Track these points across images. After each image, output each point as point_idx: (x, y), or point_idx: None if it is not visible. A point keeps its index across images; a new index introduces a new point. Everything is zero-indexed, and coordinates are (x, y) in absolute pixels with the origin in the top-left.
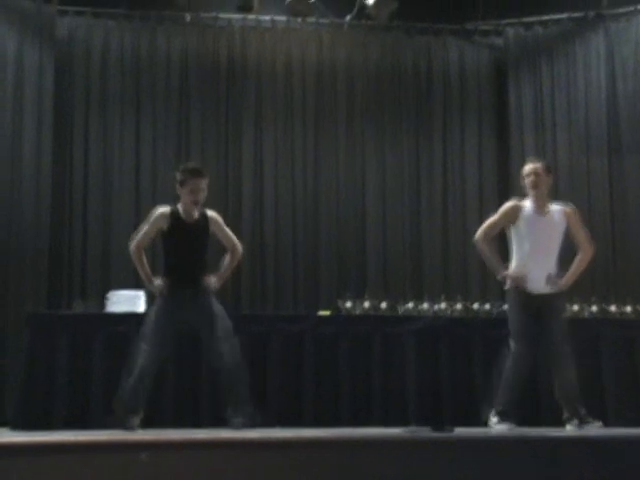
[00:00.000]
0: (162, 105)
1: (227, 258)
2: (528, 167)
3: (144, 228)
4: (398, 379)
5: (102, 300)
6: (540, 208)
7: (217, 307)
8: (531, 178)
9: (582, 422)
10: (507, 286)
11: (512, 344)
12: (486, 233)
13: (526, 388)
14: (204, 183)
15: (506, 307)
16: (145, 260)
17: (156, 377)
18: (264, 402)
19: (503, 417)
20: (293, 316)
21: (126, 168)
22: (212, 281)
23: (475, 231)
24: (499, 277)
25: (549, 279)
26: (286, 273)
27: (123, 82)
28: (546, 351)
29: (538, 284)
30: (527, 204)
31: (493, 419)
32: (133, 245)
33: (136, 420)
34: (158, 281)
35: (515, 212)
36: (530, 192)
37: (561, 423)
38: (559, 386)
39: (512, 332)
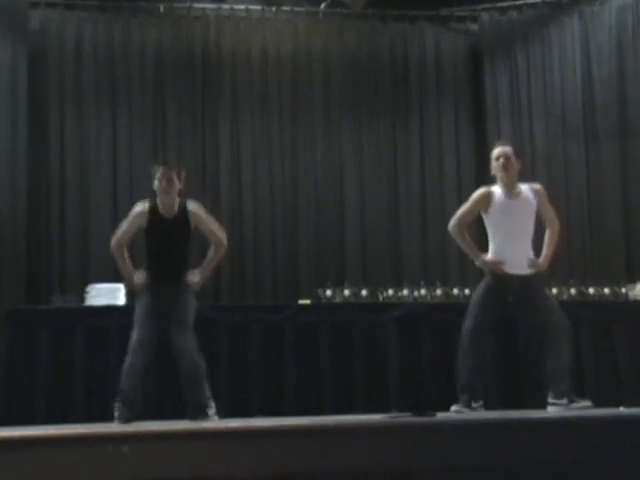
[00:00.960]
0: (138, 97)
1: (210, 252)
2: (497, 150)
3: (124, 225)
4: (380, 366)
5: (81, 294)
6: (510, 191)
7: (189, 303)
8: (501, 161)
9: (571, 401)
10: (487, 271)
11: (466, 319)
12: (460, 222)
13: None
14: (174, 175)
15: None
16: (126, 256)
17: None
18: (246, 392)
19: (466, 396)
20: (273, 306)
21: (103, 161)
22: (194, 279)
23: (452, 216)
24: (478, 263)
25: (531, 263)
26: (265, 263)
27: (98, 74)
28: (537, 331)
29: (517, 266)
30: (497, 189)
31: (472, 403)
32: (113, 243)
33: (132, 414)
34: (139, 277)
35: (486, 199)
36: (500, 175)
37: (542, 406)
38: (552, 365)
39: (470, 307)
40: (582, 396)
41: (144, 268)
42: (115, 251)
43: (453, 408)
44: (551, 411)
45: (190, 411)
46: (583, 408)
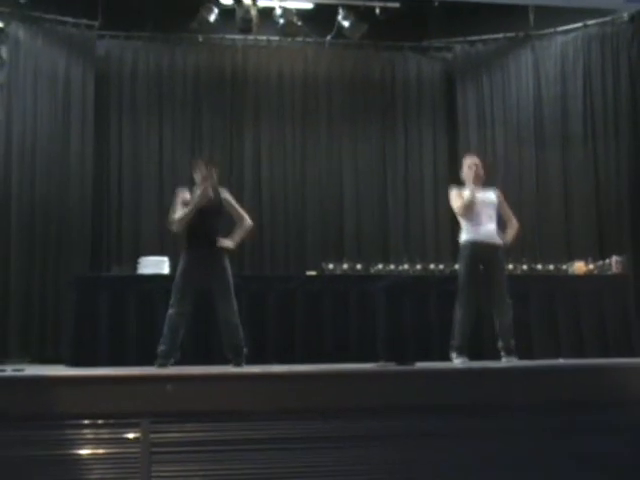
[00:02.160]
0: (179, 108)
1: (236, 228)
2: (470, 160)
3: (173, 203)
4: (370, 325)
5: (134, 264)
6: (477, 188)
7: (227, 267)
8: (473, 170)
9: (507, 354)
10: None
11: (459, 292)
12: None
13: (473, 327)
14: (213, 170)
15: (458, 262)
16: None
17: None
18: (264, 344)
19: (459, 352)
20: (286, 276)
21: (151, 160)
22: (227, 244)
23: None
24: (470, 190)
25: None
26: (279, 242)
27: (149, 91)
28: (491, 298)
29: (485, 236)
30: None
31: (452, 354)
32: (171, 215)
33: (171, 362)
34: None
35: (460, 195)
36: (470, 179)
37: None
38: (500, 325)
39: (460, 282)
40: (530, 349)
41: (184, 239)
42: (176, 221)
43: (460, 360)
44: (504, 362)
45: (231, 356)
46: (510, 362)
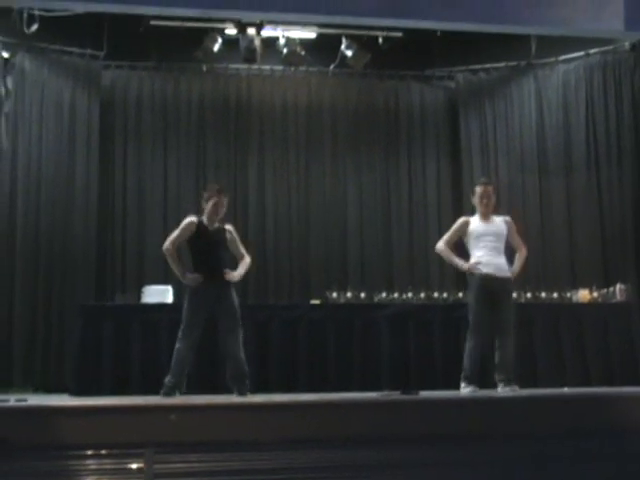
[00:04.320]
0: (184, 137)
1: (240, 263)
2: (482, 189)
3: (176, 232)
4: (374, 353)
5: (138, 293)
6: (486, 219)
7: (235, 300)
8: (484, 200)
9: (506, 385)
10: (469, 272)
11: (470, 322)
12: (444, 244)
13: (483, 357)
14: (226, 200)
15: (461, 294)
16: (177, 256)
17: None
18: (267, 373)
19: (469, 381)
20: (290, 305)
21: (156, 187)
22: (232, 275)
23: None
24: (463, 269)
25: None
26: (283, 270)
27: (153, 119)
28: (496, 326)
29: (494, 269)
30: (475, 219)
31: (462, 383)
32: (168, 245)
33: (179, 391)
34: (191, 274)
35: (464, 227)
36: (480, 208)
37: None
38: (500, 355)
39: (470, 312)
40: (534, 377)
41: (191, 270)
42: (169, 252)
43: (469, 390)
44: (501, 391)
45: (234, 386)
46: (513, 391)
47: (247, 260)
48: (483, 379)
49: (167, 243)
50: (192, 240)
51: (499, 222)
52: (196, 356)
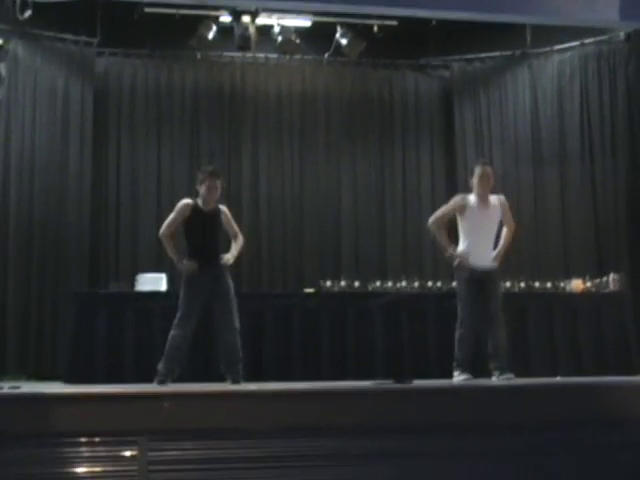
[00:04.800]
0: (178, 125)
1: (233, 244)
2: (482, 169)
3: (172, 215)
4: (368, 342)
5: (132, 281)
6: (484, 202)
7: (230, 286)
8: (484, 181)
9: (502, 373)
10: (454, 264)
11: (460, 311)
12: (437, 220)
13: (474, 346)
14: (219, 182)
15: (454, 283)
16: (172, 243)
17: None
18: (261, 361)
19: (462, 369)
20: (283, 293)
21: (150, 175)
22: (226, 258)
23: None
24: (447, 255)
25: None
26: (277, 259)
27: (147, 107)
28: (485, 317)
29: (482, 261)
30: (472, 199)
31: (455, 372)
32: (163, 230)
33: (171, 378)
34: (187, 261)
35: (462, 206)
36: (478, 189)
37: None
38: (492, 345)
39: (460, 302)
40: (528, 366)
41: (186, 256)
42: (166, 237)
43: (462, 377)
44: (494, 380)
45: (228, 373)
46: (508, 379)
47: (240, 240)
48: (477, 368)
49: (163, 228)
50: (188, 223)
51: (494, 205)
52: (190, 344)
